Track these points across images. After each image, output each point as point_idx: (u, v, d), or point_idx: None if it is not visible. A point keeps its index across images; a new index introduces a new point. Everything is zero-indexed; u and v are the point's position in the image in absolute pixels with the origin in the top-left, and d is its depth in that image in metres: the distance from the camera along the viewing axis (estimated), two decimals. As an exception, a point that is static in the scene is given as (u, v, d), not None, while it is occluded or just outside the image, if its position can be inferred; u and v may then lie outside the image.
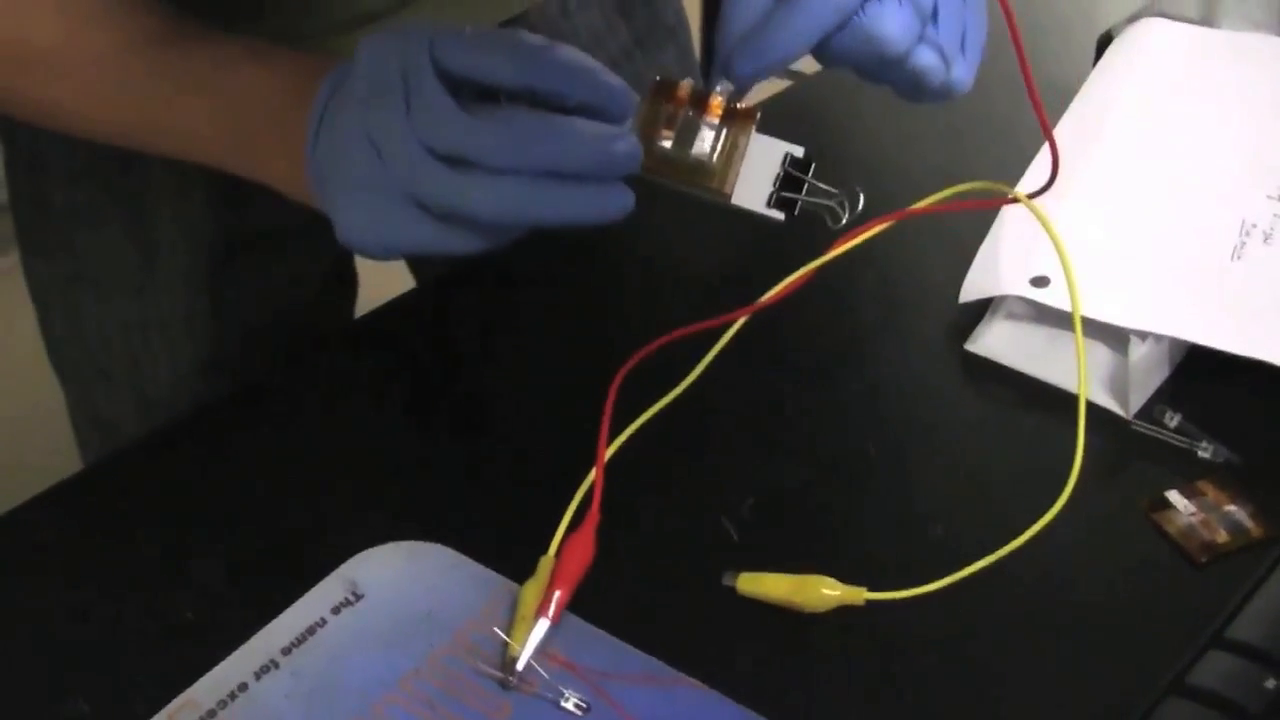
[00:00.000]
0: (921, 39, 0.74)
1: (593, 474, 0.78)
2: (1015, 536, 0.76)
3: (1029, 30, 0.80)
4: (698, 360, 0.82)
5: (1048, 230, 0.78)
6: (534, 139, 0.66)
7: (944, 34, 0.76)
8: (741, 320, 0.80)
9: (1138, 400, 0.85)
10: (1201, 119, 1.04)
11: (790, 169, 0.71)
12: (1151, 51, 1.10)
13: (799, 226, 0.72)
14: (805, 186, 0.71)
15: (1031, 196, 0.79)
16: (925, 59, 0.75)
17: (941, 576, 0.74)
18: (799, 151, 0.71)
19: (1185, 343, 0.87)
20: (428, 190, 0.68)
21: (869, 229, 0.76)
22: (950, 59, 0.76)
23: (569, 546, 0.75)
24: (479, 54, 0.69)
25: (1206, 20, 1.16)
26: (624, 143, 0.67)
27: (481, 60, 0.69)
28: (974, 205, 0.89)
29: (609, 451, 0.79)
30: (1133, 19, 1.14)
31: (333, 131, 0.71)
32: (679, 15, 1.21)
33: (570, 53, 0.70)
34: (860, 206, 0.72)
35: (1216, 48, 1.11)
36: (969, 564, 0.74)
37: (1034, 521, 0.76)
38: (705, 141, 0.70)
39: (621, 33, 1.14)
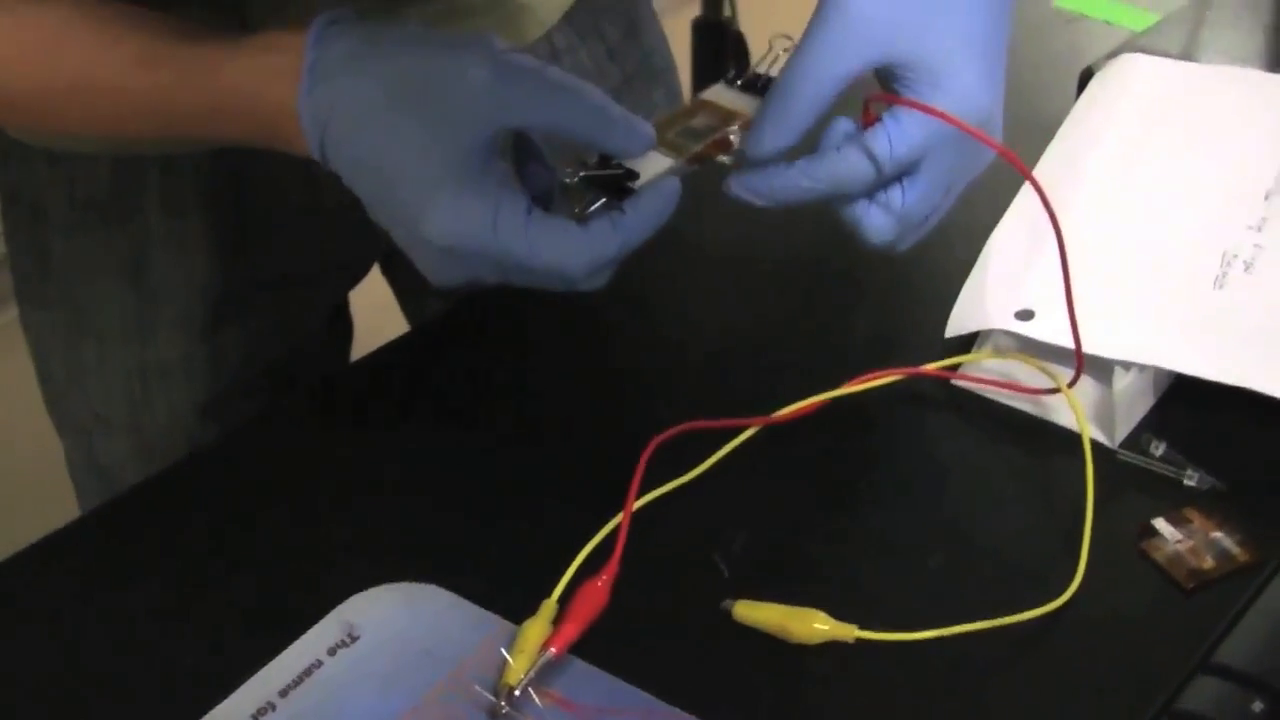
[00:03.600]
0: (875, 198, 0.81)
1: (609, 525, 0.80)
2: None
3: (1010, 66, 0.82)
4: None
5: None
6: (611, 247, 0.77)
7: (911, 206, 0.81)
8: (754, 429, 0.86)
9: (1123, 430, 0.86)
10: (1182, 151, 1.05)
11: None
12: (1132, 86, 1.11)
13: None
14: None
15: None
16: (875, 219, 0.81)
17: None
18: None
19: (1169, 372, 0.88)
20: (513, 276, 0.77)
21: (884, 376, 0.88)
22: (905, 233, 0.82)
23: (583, 592, 0.76)
24: (536, 117, 0.77)
25: (1187, 55, 1.17)
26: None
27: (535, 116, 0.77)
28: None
29: (621, 514, 0.81)
30: (1114, 54, 1.15)
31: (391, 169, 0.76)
32: (666, 57, 1.22)
33: (598, 96, 0.77)
34: None
35: (1196, 82, 1.12)
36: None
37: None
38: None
39: (610, 75, 1.15)
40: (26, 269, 1.09)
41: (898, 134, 0.79)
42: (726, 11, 2.20)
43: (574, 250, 0.76)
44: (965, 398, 0.90)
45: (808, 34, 0.79)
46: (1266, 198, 0.99)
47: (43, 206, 1.05)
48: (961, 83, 0.79)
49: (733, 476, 0.85)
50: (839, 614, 0.75)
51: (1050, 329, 0.87)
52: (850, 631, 0.75)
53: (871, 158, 0.79)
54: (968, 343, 0.91)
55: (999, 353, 0.90)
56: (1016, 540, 0.82)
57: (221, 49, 0.82)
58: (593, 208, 0.78)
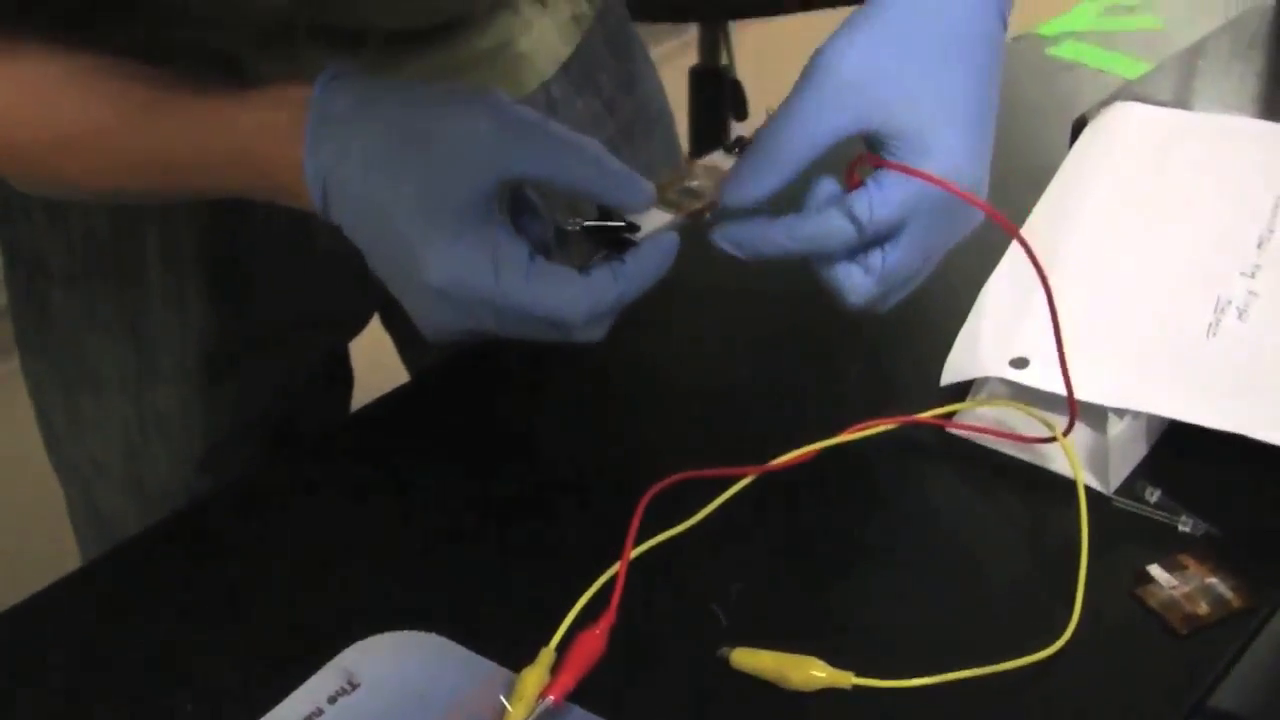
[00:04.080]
0: (856, 259, 0.82)
1: (606, 573, 0.81)
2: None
3: (1003, 114, 0.82)
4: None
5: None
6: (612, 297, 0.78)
7: (892, 269, 0.82)
8: (751, 478, 0.87)
9: (1117, 477, 0.86)
10: (1175, 198, 1.06)
11: None
12: (1126, 134, 1.12)
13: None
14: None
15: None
16: (855, 280, 0.82)
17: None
18: None
19: (1164, 419, 0.88)
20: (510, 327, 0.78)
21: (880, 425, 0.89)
22: (885, 295, 0.83)
23: (581, 641, 0.77)
24: (537, 169, 0.78)
25: (1181, 102, 1.18)
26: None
27: (537, 168, 0.78)
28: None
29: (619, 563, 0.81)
30: (1107, 103, 1.16)
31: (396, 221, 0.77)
32: (664, 107, 1.23)
33: (599, 151, 0.79)
34: None
35: (1189, 129, 1.13)
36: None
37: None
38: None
39: (607, 125, 1.16)
40: (26, 319, 1.10)
41: (879, 198, 0.80)
42: (724, 59, 2.21)
43: (575, 297, 0.77)
44: (960, 445, 0.90)
45: (792, 94, 0.80)
46: (1260, 244, 1.00)
47: (42, 257, 1.05)
48: (946, 150, 0.80)
49: (730, 525, 0.85)
50: (836, 661, 0.76)
51: (1045, 376, 0.88)
52: (847, 678, 0.75)
53: (853, 219, 0.80)
54: (963, 391, 0.92)
55: (994, 400, 0.90)
56: (1012, 587, 0.82)
57: (224, 103, 0.83)
58: (594, 259, 0.80)
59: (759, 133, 0.81)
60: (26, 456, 1.27)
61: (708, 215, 0.83)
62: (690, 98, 2.20)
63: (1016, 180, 1.08)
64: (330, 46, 0.96)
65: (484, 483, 0.89)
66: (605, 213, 0.80)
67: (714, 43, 2.19)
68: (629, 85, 1.18)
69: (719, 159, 0.86)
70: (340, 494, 0.90)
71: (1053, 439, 0.86)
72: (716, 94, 2.20)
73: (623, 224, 0.80)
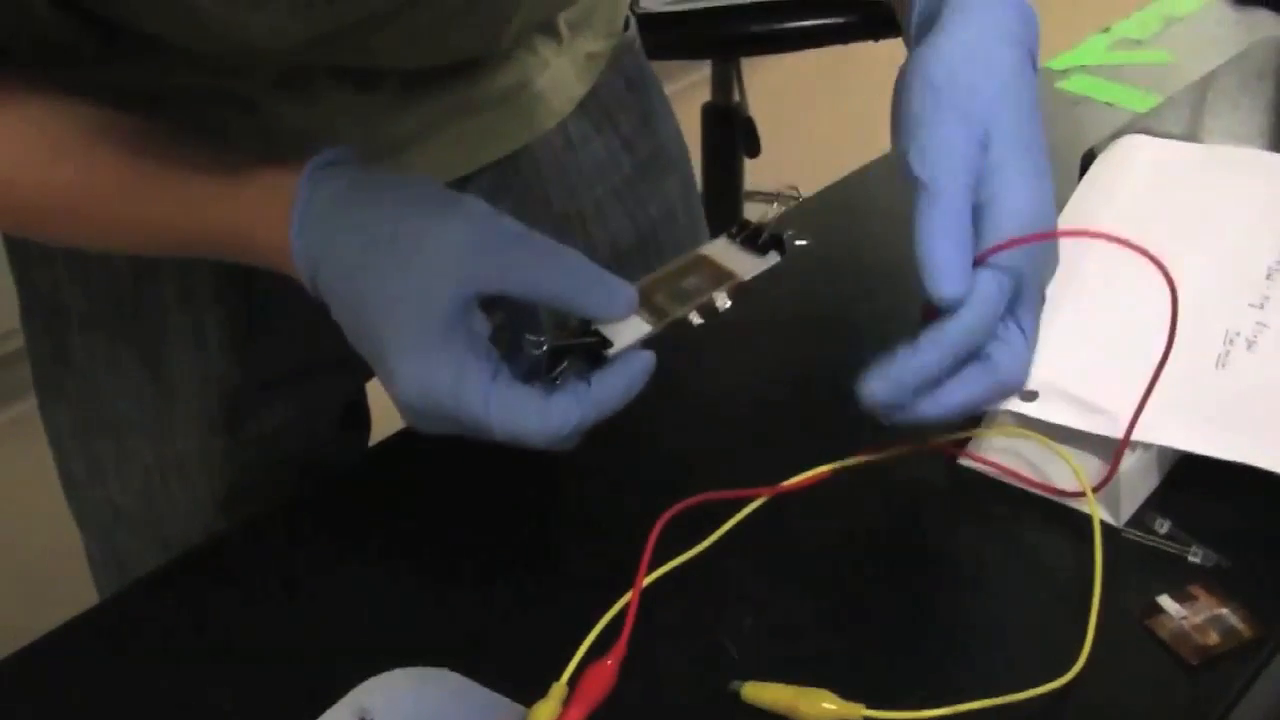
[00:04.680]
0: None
1: (617, 604, 0.81)
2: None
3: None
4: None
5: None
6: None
7: (1031, 327, 0.82)
8: (763, 499, 0.87)
9: (1129, 508, 0.86)
10: (1183, 230, 1.05)
11: None
12: (1134, 167, 1.12)
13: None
14: None
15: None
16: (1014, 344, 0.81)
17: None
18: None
19: (1174, 451, 0.88)
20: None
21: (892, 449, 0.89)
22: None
23: (592, 674, 0.77)
24: (510, 283, 0.79)
25: (1190, 135, 1.18)
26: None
27: (511, 283, 0.79)
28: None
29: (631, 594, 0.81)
30: (1117, 136, 1.16)
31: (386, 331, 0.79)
32: (680, 146, 1.24)
33: (578, 261, 0.79)
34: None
35: (1197, 161, 1.14)
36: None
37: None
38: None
39: (624, 163, 1.16)
40: (45, 363, 1.11)
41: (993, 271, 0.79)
42: (736, 96, 2.22)
43: (533, 422, 0.77)
44: (972, 473, 0.90)
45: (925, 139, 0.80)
46: (1268, 276, 1.00)
47: (61, 301, 1.06)
48: (1028, 173, 0.81)
49: (740, 553, 0.86)
50: (846, 693, 0.76)
51: (1054, 410, 0.88)
52: (858, 711, 0.75)
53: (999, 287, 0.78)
54: (975, 419, 0.92)
55: (1008, 430, 0.90)
56: (1022, 618, 0.83)
57: (223, 180, 0.84)
58: (559, 377, 0.80)
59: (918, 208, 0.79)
60: (46, 501, 1.27)
61: (692, 319, 0.81)
62: (703, 135, 2.21)
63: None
64: (347, 87, 0.97)
65: (496, 518, 0.90)
66: (585, 322, 0.80)
67: (726, 80, 2.21)
68: (646, 123, 1.18)
69: (721, 248, 0.84)
70: (353, 532, 0.91)
71: (1081, 493, 0.86)
72: (729, 131, 2.21)
73: (593, 340, 0.79)
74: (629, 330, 0.79)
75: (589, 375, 0.79)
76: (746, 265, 0.83)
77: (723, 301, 0.81)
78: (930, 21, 0.84)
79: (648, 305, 0.80)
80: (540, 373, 0.80)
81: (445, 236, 0.79)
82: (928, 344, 0.78)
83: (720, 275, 0.82)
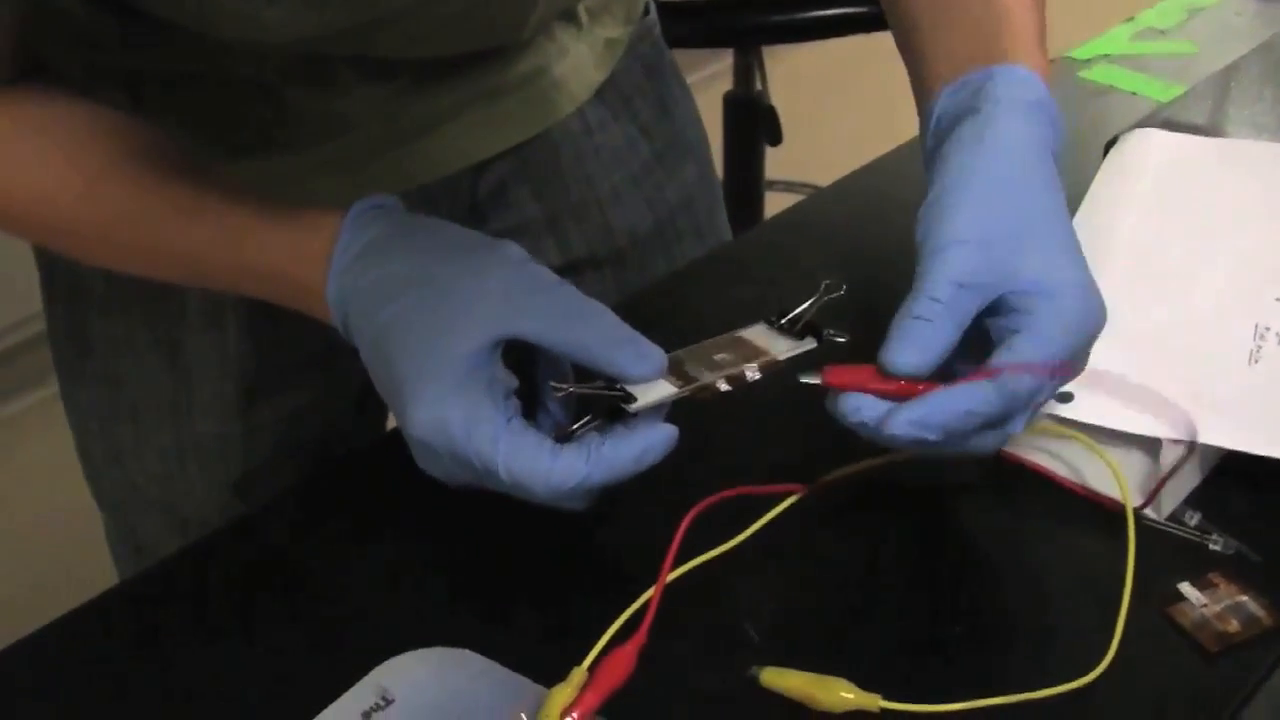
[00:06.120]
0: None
1: (644, 595, 0.81)
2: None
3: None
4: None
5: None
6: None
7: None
8: (797, 496, 0.87)
9: (1169, 506, 0.86)
10: (1205, 226, 1.05)
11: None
12: (1148, 162, 1.11)
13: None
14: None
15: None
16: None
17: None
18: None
19: (1217, 449, 0.88)
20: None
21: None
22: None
23: (611, 660, 0.77)
24: (537, 331, 0.79)
25: (1213, 126, 1.17)
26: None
27: (538, 331, 0.79)
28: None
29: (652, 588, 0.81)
30: (1139, 126, 1.16)
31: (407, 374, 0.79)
32: (699, 133, 1.24)
33: (610, 320, 0.80)
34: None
35: (1212, 155, 1.13)
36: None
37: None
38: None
39: (642, 150, 1.16)
40: (65, 346, 1.11)
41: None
42: (758, 86, 2.21)
43: (541, 473, 0.77)
44: (1001, 469, 0.89)
45: (923, 275, 0.78)
46: (1291, 269, 1.00)
47: (81, 285, 1.07)
48: (1067, 283, 0.79)
49: (767, 544, 0.85)
50: (866, 683, 0.76)
51: (1089, 410, 0.87)
52: (875, 701, 0.75)
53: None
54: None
55: (1046, 427, 0.88)
56: (1045, 613, 0.82)
57: (260, 219, 0.85)
58: (578, 428, 0.80)
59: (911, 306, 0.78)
60: (67, 483, 1.28)
61: (719, 386, 0.80)
62: (724, 124, 2.21)
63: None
64: (365, 75, 0.97)
65: (522, 500, 0.90)
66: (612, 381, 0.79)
67: (748, 69, 2.20)
68: (665, 111, 1.18)
69: (759, 333, 0.84)
70: (374, 513, 0.91)
71: (1129, 509, 0.84)
72: (751, 120, 2.20)
73: (616, 394, 0.79)
74: (654, 391, 0.79)
75: (602, 432, 0.79)
76: (782, 346, 0.83)
77: (753, 374, 0.81)
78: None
79: (676, 372, 0.80)
80: (562, 430, 0.81)
81: (480, 279, 0.80)
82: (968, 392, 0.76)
83: (754, 353, 0.82)
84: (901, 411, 0.76)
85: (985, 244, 0.78)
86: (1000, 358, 0.76)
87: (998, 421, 0.77)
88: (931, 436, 0.76)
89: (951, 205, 0.79)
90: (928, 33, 0.90)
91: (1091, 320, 0.79)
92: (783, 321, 0.84)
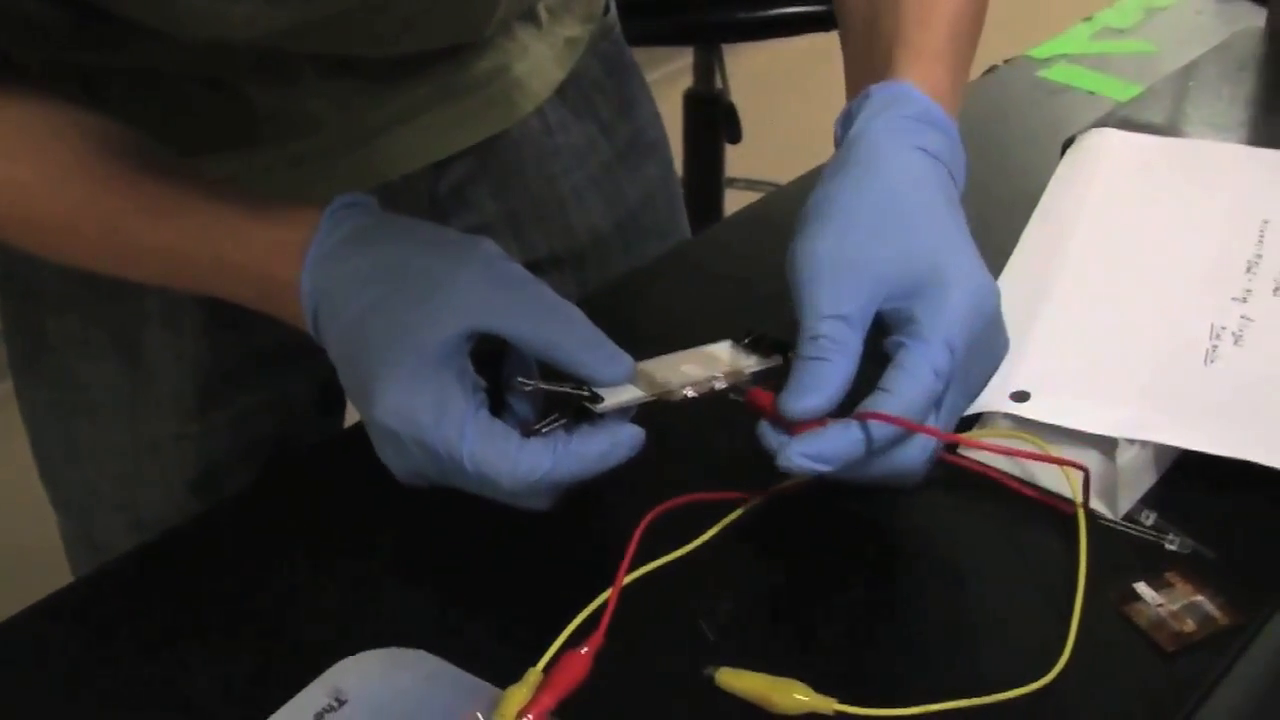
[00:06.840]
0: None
1: (600, 597, 0.80)
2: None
3: (995, 136, 0.82)
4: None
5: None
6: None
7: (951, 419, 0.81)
8: (753, 503, 0.87)
9: (1125, 505, 0.86)
10: (1161, 226, 1.05)
11: None
12: (1104, 162, 1.12)
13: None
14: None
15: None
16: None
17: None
18: None
19: (1174, 448, 0.88)
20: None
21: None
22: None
23: (566, 661, 0.76)
24: (510, 325, 0.79)
25: (1171, 124, 1.18)
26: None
27: (508, 326, 0.79)
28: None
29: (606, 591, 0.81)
30: (1097, 125, 1.16)
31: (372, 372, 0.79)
32: (660, 132, 1.24)
33: (579, 319, 0.80)
34: None
35: (1169, 156, 1.13)
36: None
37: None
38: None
39: (602, 148, 1.16)
40: (20, 346, 1.10)
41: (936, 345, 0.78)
42: (718, 84, 2.21)
43: (507, 463, 0.77)
44: (955, 472, 0.89)
45: (803, 299, 0.79)
46: (1248, 269, 1.00)
47: (37, 284, 1.06)
48: (962, 274, 0.79)
49: (725, 546, 0.85)
50: (823, 685, 0.75)
51: (1046, 409, 0.88)
52: (829, 704, 0.75)
53: (934, 372, 0.77)
54: (968, 423, 0.90)
55: (999, 430, 0.89)
56: (999, 614, 0.82)
57: (236, 214, 0.85)
58: (545, 425, 0.80)
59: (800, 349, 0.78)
60: (22, 484, 1.27)
61: (686, 393, 0.81)
62: (684, 122, 2.21)
63: (1008, 202, 1.09)
64: (327, 72, 0.97)
65: (478, 501, 0.90)
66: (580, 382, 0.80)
67: (708, 67, 2.21)
68: (625, 109, 1.18)
69: (724, 349, 0.85)
70: (328, 512, 0.91)
71: (1081, 509, 0.85)
72: (711, 118, 2.20)
73: (582, 394, 0.79)
74: (622, 394, 0.80)
75: (565, 432, 0.79)
76: (749, 363, 0.84)
77: (719, 384, 0.81)
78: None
79: (644, 379, 0.81)
80: (528, 427, 0.81)
81: (455, 273, 0.80)
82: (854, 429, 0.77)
83: (720, 366, 0.83)
84: (793, 444, 0.77)
85: (851, 266, 0.78)
86: (887, 376, 0.77)
87: (902, 437, 0.77)
88: (826, 468, 0.76)
89: (810, 237, 0.79)
90: (849, 61, 0.92)
91: (981, 303, 0.79)
92: (747, 340, 0.85)
